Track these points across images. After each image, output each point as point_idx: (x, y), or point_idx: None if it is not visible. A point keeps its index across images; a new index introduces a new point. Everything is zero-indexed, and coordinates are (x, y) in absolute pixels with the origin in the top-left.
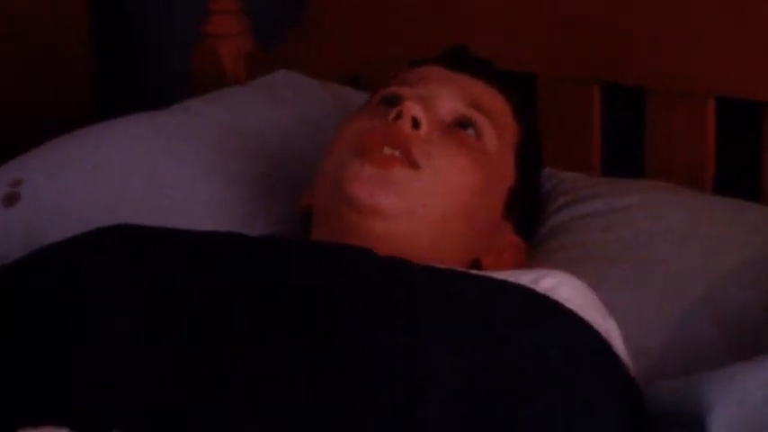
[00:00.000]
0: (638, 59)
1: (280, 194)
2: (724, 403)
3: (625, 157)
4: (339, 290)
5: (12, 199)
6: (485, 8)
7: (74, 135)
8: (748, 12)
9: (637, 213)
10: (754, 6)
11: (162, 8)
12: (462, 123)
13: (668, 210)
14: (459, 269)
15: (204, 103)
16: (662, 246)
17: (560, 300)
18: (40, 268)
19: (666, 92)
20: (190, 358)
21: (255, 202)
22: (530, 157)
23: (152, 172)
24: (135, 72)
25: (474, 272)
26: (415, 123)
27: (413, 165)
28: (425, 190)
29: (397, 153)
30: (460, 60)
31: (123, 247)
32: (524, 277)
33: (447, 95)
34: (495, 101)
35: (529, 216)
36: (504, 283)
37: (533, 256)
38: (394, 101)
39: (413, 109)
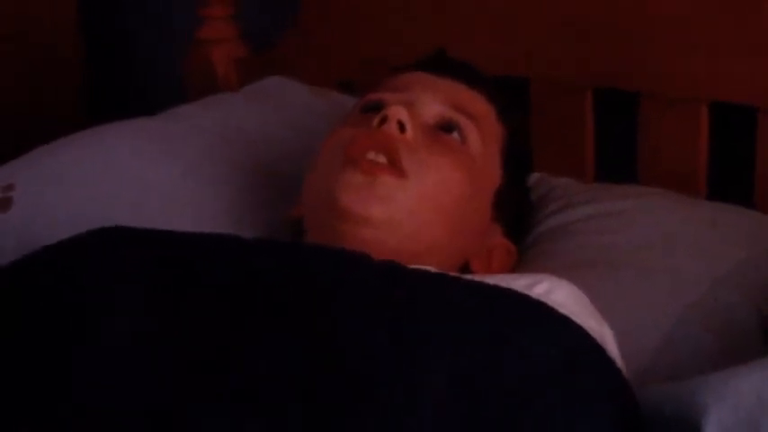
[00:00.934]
0: (631, 65)
1: (271, 200)
2: (718, 407)
3: (618, 163)
4: (338, 290)
5: (4, 204)
6: (479, 13)
7: (65, 140)
8: (741, 16)
9: (629, 219)
10: (747, 11)
11: (155, 13)
12: (446, 127)
13: (661, 215)
14: (452, 274)
15: (196, 108)
16: (654, 251)
17: (554, 305)
18: (36, 269)
19: (659, 97)
20: (190, 358)
21: (246, 207)
22: (516, 158)
23: (144, 177)
24: (127, 77)
25: (467, 276)
26: (401, 127)
27: (400, 173)
28: (412, 198)
29: (383, 159)
30: (442, 64)
31: (119, 248)
32: (517, 282)
33: (430, 99)
34: (478, 103)
35: (518, 218)
36: (497, 288)
37: (526, 260)
38: (377, 107)
39: (398, 113)
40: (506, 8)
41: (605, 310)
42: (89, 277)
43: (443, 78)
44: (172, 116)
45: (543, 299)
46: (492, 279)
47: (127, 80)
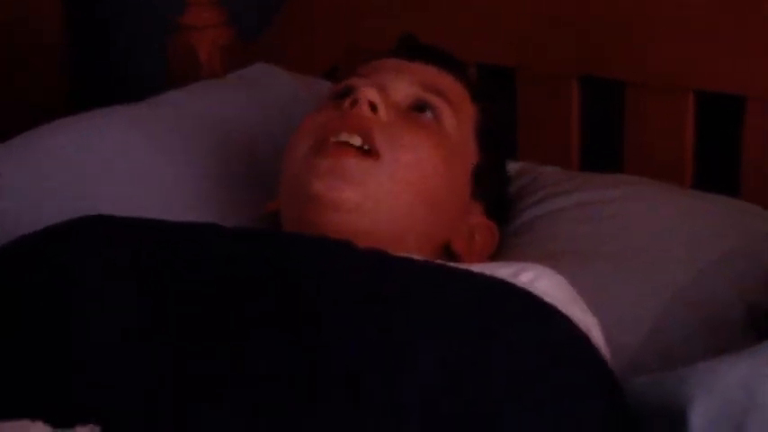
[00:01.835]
0: (616, 53)
1: (255, 188)
2: (704, 397)
3: (604, 152)
4: (324, 283)
5: None
6: (464, 1)
7: (50, 126)
8: (728, 5)
9: (615, 207)
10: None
11: None
12: (419, 107)
13: (647, 204)
14: (438, 262)
15: (181, 95)
16: (640, 240)
17: (539, 293)
18: (18, 260)
19: (646, 85)
20: (183, 357)
21: (230, 195)
22: (491, 137)
23: (128, 163)
24: (111, 63)
25: (453, 265)
26: (373, 108)
27: (372, 154)
28: (387, 179)
29: (357, 140)
30: (412, 49)
31: (102, 238)
32: (502, 271)
33: (401, 81)
34: (450, 84)
35: (498, 198)
36: (482, 277)
37: (510, 249)
38: (347, 93)
39: (368, 93)
40: None
41: (591, 299)
42: (73, 270)
43: (414, 62)
44: (157, 103)
45: (528, 287)
46: (477, 268)
47: (110, 66)
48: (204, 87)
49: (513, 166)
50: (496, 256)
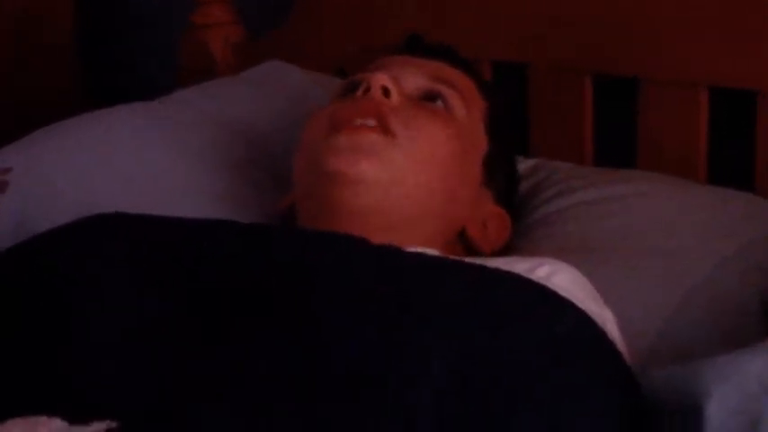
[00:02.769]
0: (630, 49)
1: (268, 185)
2: (722, 390)
3: (617, 148)
4: (330, 283)
5: (0, 187)
6: None
7: (63, 124)
8: (741, 0)
9: (629, 203)
10: None
11: None
12: (429, 96)
13: (661, 199)
14: (452, 258)
15: (195, 93)
16: (655, 235)
17: (555, 288)
18: (29, 260)
19: (659, 81)
20: (181, 356)
21: (243, 192)
22: (500, 129)
23: (141, 161)
24: (123, 62)
25: (468, 260)
26: (385, 93)
27: (388, 133)
28: (403, 158)
29: (371, 122)
30: (419, 46)
31: (113, 237)
32: (519, 265)
33: (410, 74)
34: (457, 76)
35: (508, 187)
36: (498, 272)
37: (525, 244)
38: (356, 87)
39: (381, 80)
40: None
41: (607, 294)
42: (78, 269)
43: (421, 58)
44: (171, 101)
45: (544, 282)
46: (493, 263)
47: (123, 65)
48: (217, 85)
49: (527, 163)
50: (511, 250)
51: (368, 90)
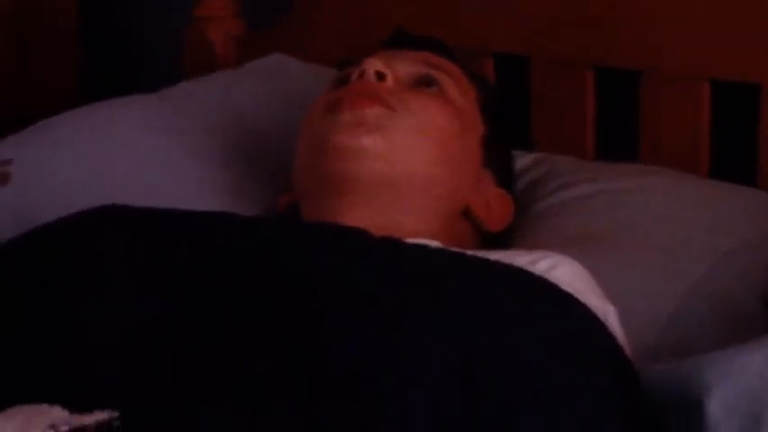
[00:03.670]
0: (632, 42)
1: (270, 177)
2: (722, 385)
3: (619, 141)
4: (329, 284)
5: (2, 178)
6: None
7: (64, 116)
8: None
9: (631, 197)
10: None
11: None
12: (423, 81)
13: (662, 194)
14: (453, 250)
15: (197, 86)
16: (656, 229)
17: (556, 281)
18: (28, 256)
19: (661, 74)
20: (180, 355)
21: (245, 184)
22: (495, 113)
23: (142, 153)
24: (124, 55)
25: (470, 253)
26: (380, 77)
27: (388, 107)
28: (404, 129)
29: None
30: (406, 39)
31: (112, 231)
32: (520, 259)
33: (403, 62)
34: (447, 63)
35: (507, 168)
36: (499, 267)
37: (527, 237)
38: (351, 75)
39: (374, 64)
40: None
41: (608, 288)
42: (77, 265)
43: (409, 51)
44: (171, 94)
45: (546, 276)
46: (495, 255)
47: (124, 58)
48: (219, 78)
49: (528, 157)
50: (512, 243)
51: (362, 75)
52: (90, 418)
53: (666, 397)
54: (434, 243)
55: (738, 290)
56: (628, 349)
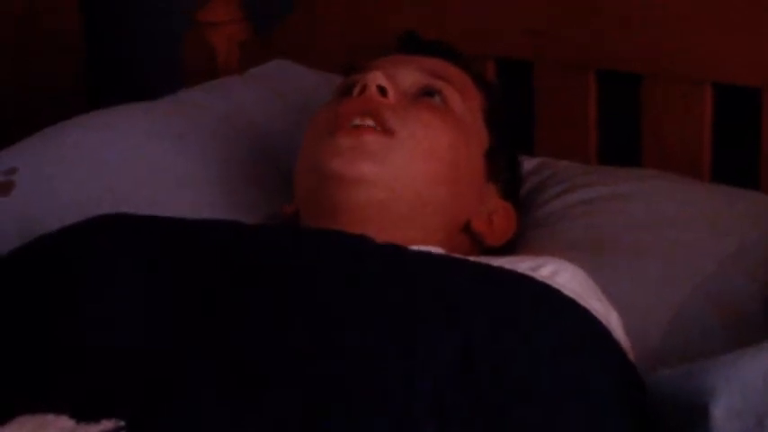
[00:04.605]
0: (634, 46)
1: (274, 184)
2: (726, 390)
3: (621, 145)
4: (337, 282)
5: (6, 187)
6: None
7: (68, 123)
8: None
9: (633, 201)
10: None
11: None
12: (427, 92)
13: (665, 197)
14: (455, 256)
15: (199, 92)
16: (659, 233)
17: (559, 287)
18: (35, 262)
19: (663, 78)
20: (185, 357)
21: (250, 191)
22: (500, 122)
23: (145, 161)
24: (127, 62)
25: (472, 259)
26: (382, 91)
27: (387, 132)
28: (403, 155)
29: (369, 122)
30: (413, 44)
31: (119, 238)
32: (523, 264)
33: (407, 70)
34: (454, 71)
35: (512, 181)
36: (501, 270)
37: (529, 242)
38: (353, 86)
39: (376, 77)
40: None
41: (611, 292)
42: (83, 273)
43: (416, 56)
44: (175, 100)
45: (548, 281)
46: (497, 261)
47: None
48: (222, 84)
49: (531, 162)
50: (515, 248)
51: (364, 89)
52: (96, 428)
53: (671, 401)
54: (437, 250)
55: (742, 292)
56: (631, 354)
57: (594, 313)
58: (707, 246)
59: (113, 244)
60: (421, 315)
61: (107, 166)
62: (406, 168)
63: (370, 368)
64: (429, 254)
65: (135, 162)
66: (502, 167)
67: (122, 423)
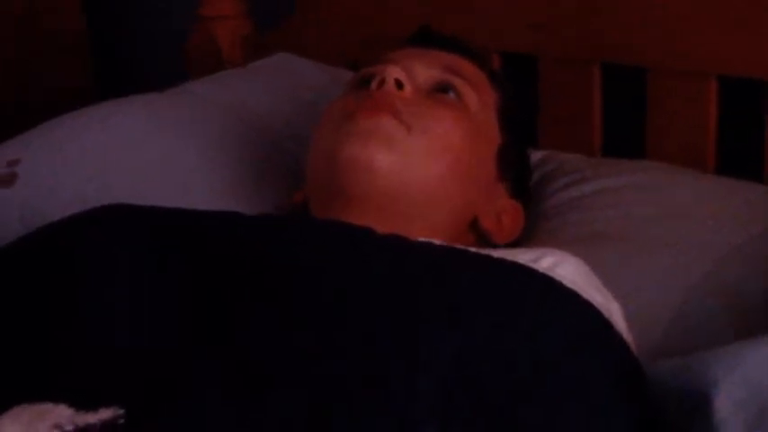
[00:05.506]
0: (639, 39)
1: (278, 176)
2: (729, 380)
3: (626, 138)
4: (340, 276)
5: (9, 178)
6: None
7: (71, 115)
8: None
9: (638, 193)
10: None
11: None
12: (442, 88)
13: (669, 190)
14: (458, 247)
15: (202, 85)
16: (663, 225)
17: (560, 279)
18: (37, 252)
19: (668, 71)
20: (188, 351)
21: (253, 183)
22: (513, 120)
23: (149, 152)
24: (131, 55)
25: (473, 250)
26: (399, 85)
27: (403, 123)
28: (416, 148)
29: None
30: (429, 38)
31: (121, 229)
32: (523, 256)
33: (422, 65)
34: (469, 68)
35: (522, 179)
36: (503, 262)
37: (533, 235)
38: (369, 79)
39: (394, 72)
40: None
41: (614, 284)
42: (84, 264)
43: (432, 50)
44: (178, 92)
45: (549, 273)
46: (498, 253)
47: (130, 58)
48: (226, 77)
49: (536, 155)
50: (521, 241)
51: (382, 83)
52: (95, 417)
53: (673, 392)
54: (439, 241)
55: (746, 284)
56: (633, 346)
57: (595, 305)
58: (711, 238)
59: (114, 237)
60: (423, 315)
61: (108, 158)
62: (419, 162)
63: (372, 368)
64: (432, 246)
65: (137, 153)
66: (513, 166)
67: (120, 412)
